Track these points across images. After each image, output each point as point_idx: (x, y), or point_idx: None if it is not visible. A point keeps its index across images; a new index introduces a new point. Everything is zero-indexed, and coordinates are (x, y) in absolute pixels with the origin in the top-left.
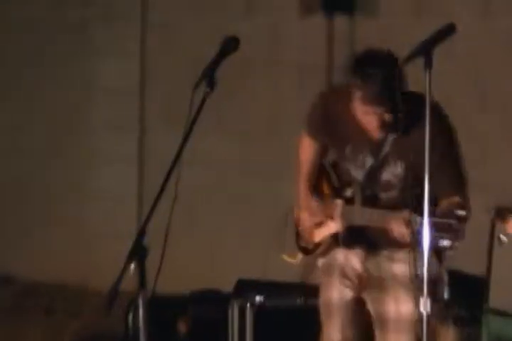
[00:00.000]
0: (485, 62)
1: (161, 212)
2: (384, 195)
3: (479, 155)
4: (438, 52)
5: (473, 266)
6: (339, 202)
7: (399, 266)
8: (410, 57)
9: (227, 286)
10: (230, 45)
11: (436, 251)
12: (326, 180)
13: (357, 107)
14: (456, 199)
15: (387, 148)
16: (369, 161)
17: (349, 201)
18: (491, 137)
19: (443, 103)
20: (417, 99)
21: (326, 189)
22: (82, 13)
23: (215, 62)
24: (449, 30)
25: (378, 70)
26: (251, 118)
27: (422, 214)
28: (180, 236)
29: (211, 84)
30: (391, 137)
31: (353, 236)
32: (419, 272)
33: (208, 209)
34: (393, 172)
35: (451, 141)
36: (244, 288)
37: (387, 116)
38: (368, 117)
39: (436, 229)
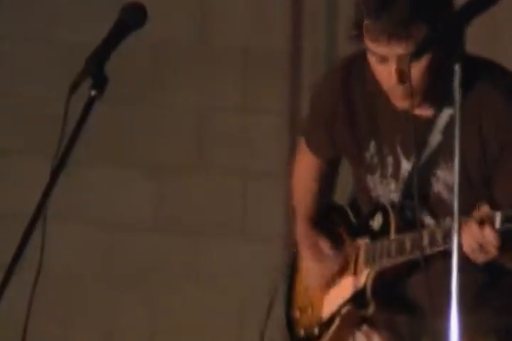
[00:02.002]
0: None
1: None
2: (431, 220)
3: None
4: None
5: None
6: (362, 242)
7: None
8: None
9: None
10: (130, 18)
11: None
12: (342, 221)
13: (369, 54)
14: None
15: (435, 139)
16: (405, 165)
17: (377, 235)
18: None
19: None
20: (488, 65)
21: (342, 231)
22: None
23: (106, 48)
24: None
25: None
26: (170, 144)
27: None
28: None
29: (99, 83)
30: (444, 114)
31: (387, 295)
32: None
33: (97, 290)
34: (445, 180)
35: None
36: None
37: (425, 62)
38: (381, 68)
39: None
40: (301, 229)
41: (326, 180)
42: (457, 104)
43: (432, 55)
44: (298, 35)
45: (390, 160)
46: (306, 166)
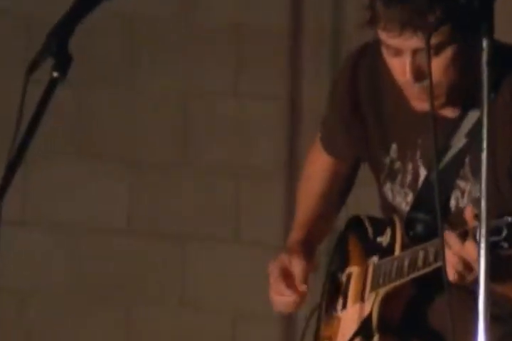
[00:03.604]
0: None
1: None
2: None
3: None
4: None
5: None
6: (371, 262)
7: None
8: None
9: None
10: None
11: None
12: (355, 235)
13: (382, 46)
14: None
15: (459, 144)
16: (423, 173)
17: (385, 254)
18: None
19: None
20: None
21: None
22: None
23: (70, 21)
24: None
25: None
26: (149, 136)
27: None
28: None
29: (62, 63)
30: (471, 116)
31: (397, 323)
32: None
33: (61, 308)
34: (468, 190)
35: None
36: None
37: (448, 54)
38: (395, 62)
39: None
40: (290, 239)
41: (340, 184)
42: (485, 87)
43: (457, 47)
44: (298, 10)
45: (410, 166)
46: (318, 166)
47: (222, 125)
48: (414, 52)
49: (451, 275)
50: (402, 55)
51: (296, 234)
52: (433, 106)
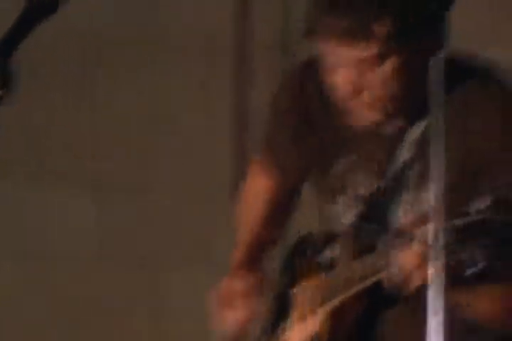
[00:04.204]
0: None
1: None
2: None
3: None
4: None
5: None
6: (319, 278)
7: None
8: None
9: None
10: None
11: None
12: (301, 254)
13: (325, 59)
14: None
15: (403, 157)
16: (369, 187)
17: (334, 267)
18: None
19: None
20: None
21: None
22: None
23: (14, 37)
24: None
25: None
26: (114, 155)
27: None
28: None
29: (6, 81)
30: (416, 128)
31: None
32: None
33: None
34: (417, 204)
35: None
36: None
37: (391, 65)
38: (337, 73)
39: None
40: (234, 262)
41: (281, 206)
42: (435, 102)
43: (401, 57)
44: (244, 13)
45: (358, 180)
46: (259, 189)
47: (189, 143)
48: (355, 63)
49: (394, 283)
50: (343, 66)
51: (239, 255)
52: (375, 120)
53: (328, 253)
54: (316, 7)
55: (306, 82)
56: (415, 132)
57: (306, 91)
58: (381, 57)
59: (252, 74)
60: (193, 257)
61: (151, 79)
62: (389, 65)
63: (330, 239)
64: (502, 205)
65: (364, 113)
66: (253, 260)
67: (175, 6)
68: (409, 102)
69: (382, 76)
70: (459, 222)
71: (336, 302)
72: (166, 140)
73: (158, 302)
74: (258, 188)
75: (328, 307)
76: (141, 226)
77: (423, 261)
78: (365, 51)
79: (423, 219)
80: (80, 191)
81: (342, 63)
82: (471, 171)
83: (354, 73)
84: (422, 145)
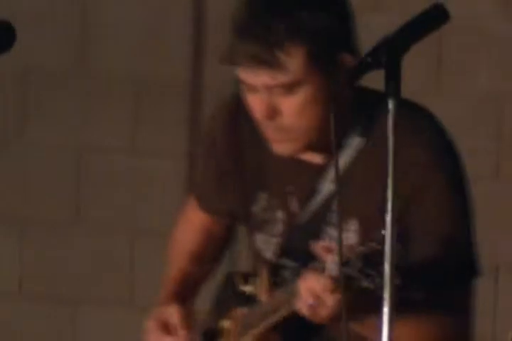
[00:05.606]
0: None
1: None
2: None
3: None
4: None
5: None
6: (240, 313)
7: None
8: (361, 70)
9: None
10: None
11: None
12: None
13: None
14: None
15: (326, 189)
16: (293, 221)
17: (252, 303)
18: None
19: None
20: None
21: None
22: None
23: None
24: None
25: None
26: (40, 193)
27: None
28: None
29: None
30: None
31: None
32: None
33: None
34: (335, 237)
35: (452, 185)
36: None
37: (303, 95)
38: (251, 99)
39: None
40: (160, 299)
41: (215, 243)
42: (391, 149)
43: (314, 86)
44: (200, 62)
45: (279, 215)
46: (192, 225)
47: (118, 182)
48: (268, 88)
49: (305, 310)
50: (256, 91)
51: (167, 290)
52: (292, 151)
53: (250, 289)
54: (230, 32)
55: (238, 113)
56: (340, 163)
57: (238, 122)
58: (290, 86)
59: (205, 112)
60: (114, 296)
61: (83, 115)
62: (300, 94)
63: (249, 275)
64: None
65: (278, 141)
66: (181, 295)
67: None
68: (327, 134)
69: (293, 105)
70: (363, 250)
71: (252, 335)
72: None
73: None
74: (191, 222)
75: (247, 340)
76: (64, 263)
77: (334, 289)
78: (275, 79)
79: (333, 248)
80: (3, 226)
81: (255, 89)
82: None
83: (267, 100)
84: (346, 177)
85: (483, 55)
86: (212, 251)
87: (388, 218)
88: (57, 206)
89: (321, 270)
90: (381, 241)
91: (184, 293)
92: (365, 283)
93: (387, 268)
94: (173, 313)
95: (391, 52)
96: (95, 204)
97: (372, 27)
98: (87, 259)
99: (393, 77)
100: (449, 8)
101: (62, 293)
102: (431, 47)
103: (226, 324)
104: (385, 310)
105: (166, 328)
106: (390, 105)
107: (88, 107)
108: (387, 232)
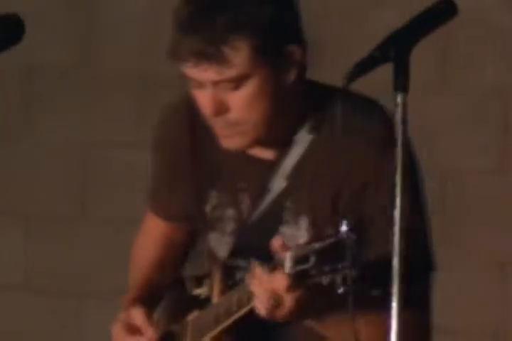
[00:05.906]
0: None
1: None
2: None
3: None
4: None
5: None
6: (192, 317)
7: None
8: (357, 72)
9: None
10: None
11: None
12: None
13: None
14: None
15: (278, 186)
16: (244, 219)
17: (205, 305)
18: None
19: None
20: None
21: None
22: None
23: None
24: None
25: None
26: (46, 189)
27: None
28: None
29: None
30: (291, 156)
31: None
32: None
33: None
34: (294, 237)
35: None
36: None
37: (250, 88)
38: (199, 95)
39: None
40: (124, 304)
41: (176, 250)
42: (400, 144)
43: (261, 79)
44: None
45: (230, 213)
46: (153, 233)
47: (122, 177)
48: (214, 84)
49: (262, 310)
50: (203, 87)
51: (130, 295)
52: (240, 146)
53: (204, 291)
54: (175, 27)
55: (187, 112)
56: (289, 162)
57: (189, 121)
58: (237, 80)
59: None
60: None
61: (89, 111)
62: (247, 88)
63: (200, 277)
64: (355, 231)
65: (227, 137)
66: (144, 299)
67: None
68: (278, 129)
69: (240, 99)
70: (318, 246)
71: (207, 338)
72: (100, 170)
73: (82, 333)
74: (151, 230)
75: None
76: (70, 256)
77: (291, 288)
78: (221, 74)
79: (288, 245)
80: (8, 220)
81: (202, 85)
82: (336, 196)
83: (214, 95)
84: (297, 173)
85: (489, 47)
86: (174, 257)
87: (397, 213)
88: (62, 201)
89: (277, 268)
90: (335, 236)
91: (147, 298)
92: (323, 280)
93: (395, 262)
94: (136, 314)
95: (399, 46)
96: (101, 199)
97: (376, 23)
98: (92, 253)
99: (402, 72)
100: (456, 1)
101: (67, 286)
102: (438, 41)
103: (181, 326)
104: (394, 305)
105: (131, 330)
106: (399, 99)
107: (93, 104)
108: (396, 228)
